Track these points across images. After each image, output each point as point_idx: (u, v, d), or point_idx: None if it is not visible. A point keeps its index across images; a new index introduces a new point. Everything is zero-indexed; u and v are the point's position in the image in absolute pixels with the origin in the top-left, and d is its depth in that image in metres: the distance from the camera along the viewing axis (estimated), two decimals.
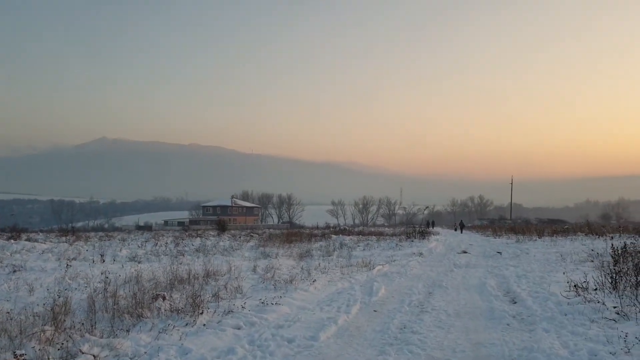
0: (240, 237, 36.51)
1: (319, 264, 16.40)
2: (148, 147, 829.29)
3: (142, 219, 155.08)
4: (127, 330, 6.90)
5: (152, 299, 8.91)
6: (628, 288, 9.20)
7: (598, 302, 8.36)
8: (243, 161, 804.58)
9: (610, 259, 16.41)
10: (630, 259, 12.14)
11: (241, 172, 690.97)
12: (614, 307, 7.72)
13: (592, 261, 16.27)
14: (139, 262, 17.10)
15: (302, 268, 15.01)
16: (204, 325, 7.46)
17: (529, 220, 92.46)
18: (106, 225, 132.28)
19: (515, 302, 9.76)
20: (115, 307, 7.94)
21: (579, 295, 9.08)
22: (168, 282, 11.12)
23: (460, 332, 7.42)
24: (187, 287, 10.95)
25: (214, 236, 39.01)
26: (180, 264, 17.25)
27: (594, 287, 9.81)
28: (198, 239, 32.11)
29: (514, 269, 15.63)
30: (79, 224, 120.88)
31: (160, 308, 8.10)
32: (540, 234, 30.71)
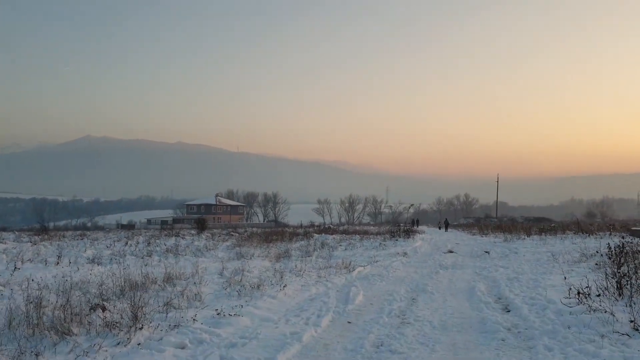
0: (220, 236, 35.20)
1: (296, 266, 15.17)
2: (133, 146, 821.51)
3: (126, 217, 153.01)
4: (37, 354, 5.60)
5: (90, 309, 7.63)
6: (636, 294, 8.12)
7: (605, 311, 7.23)
8: (229, 159, 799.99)
9: (606, 259, 15.48)
10: (632, 259, 11.12)
11: (227, 170, 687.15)
12: (631, 322, 6.56)
13: (586, 261, 15.27)
14: (99, 264, 15.73)
15: (275, 270, 13.77)
16: (139, 344, 6.20)
17: (515, 219, 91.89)
18: (89, 224, 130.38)
19: (508, 311, 8.62)
20: (38, 321, 6.65)
21: (581, 302, 7.94)
22: (119, 288, 9.84)
23: (447, 351, 6.24)
24: (141, 293, 9.69)
25: (192, 235, 37.65)
26: (145, 265, 15.97)
27: (597, 293, 8.72)
28: (173, 238, 30.75)
29: (504, 270, 14.53)
30: (62, 223, 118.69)
31: (92, 323, 6.81)
32: (528, 233, 29.75)
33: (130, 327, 6.58)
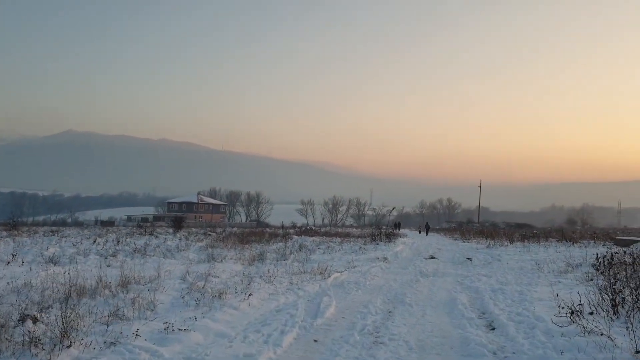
0: (196, 235, 34.14)
1: (268, 270, 14.28)
2: (117, 141, 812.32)
3: (107, 214, 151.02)
4: None
5: (18, 321, 6.65)
6: (634, 313, 7.35)
7: (602, 334, 6.44)
8: (214, 158, 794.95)
9: (593, 270, 14.80)
10: (623, 272, 10.42)
11: (211, 168, 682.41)
12: (637, 353, 5.74)
13: (572, 272, 14.59)
14: (55, 264, 14.64)
15: (244, 275, 12.85)
16: None
17: (497, 224, 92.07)
18: (69, 220, 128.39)
19: (493, 329, 7.80)
20: None
21: (574, 322, 7.15)
22: (64, 293, 8.84)
23: None
24: (87, 301, 8.72)
25: (168, 234, 36.51)
26: (108, 266, 14.97)
27: (590, 310, 7.95)
28: (147, 237, 29.69)
29: (486, 279, 13.77)
30: (41, 218, 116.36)
31: (10, 339, 5.82)
32: (511, 240, 29.17)
33: (55, 345, 5.61)
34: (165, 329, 6.90)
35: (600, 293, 8.41)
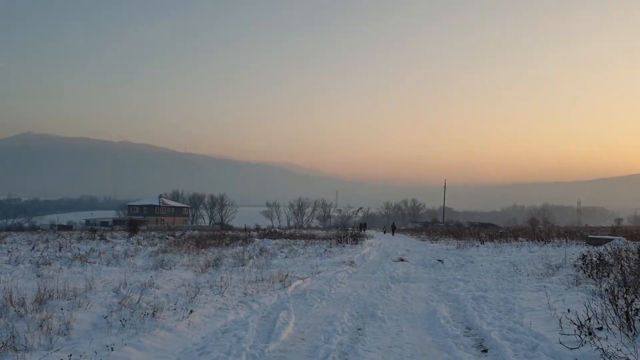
0: (153, 239, 32.04)
1: (222, 278, 12.64)
2: (77, 144, 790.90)
3: (67, 218, 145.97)
4: None
5: None
6: None
7: (627, 359, 5.12)
8: (177, 160, 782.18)
9: (576, 271, 13.71)
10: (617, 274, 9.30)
11: (174, 171, 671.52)
12: None
13: (554, 274, 13.45)
14: None
15: (192, 285, 11.20)
16: None
17: (462, 224, 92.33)
18: (26, 225, 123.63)
19: (485, 350, 6.42)
20: None
21: (586, 341, 5.81)
22: None
23: None
24: None
25: (123, 238, 34.26)
26: (38, 276, 13.02)
27: (598, 325, 6.65)
28: (95, 241, 27.53)
29: (464, 284, 12.49)
30: None
31: None
32: (482, 240, 28.19)
33: None
34: None
35: (604, 304, 7.11)
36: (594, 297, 9.21)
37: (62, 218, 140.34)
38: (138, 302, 8.84)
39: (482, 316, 8.21)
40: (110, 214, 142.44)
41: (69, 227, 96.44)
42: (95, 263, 16.60)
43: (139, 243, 26.67)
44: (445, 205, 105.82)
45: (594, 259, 13.33)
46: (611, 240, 22.36)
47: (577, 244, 24.25)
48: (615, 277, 10.94)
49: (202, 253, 20.71)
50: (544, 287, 11.26)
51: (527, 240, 28.27)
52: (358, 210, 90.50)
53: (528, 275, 13.78)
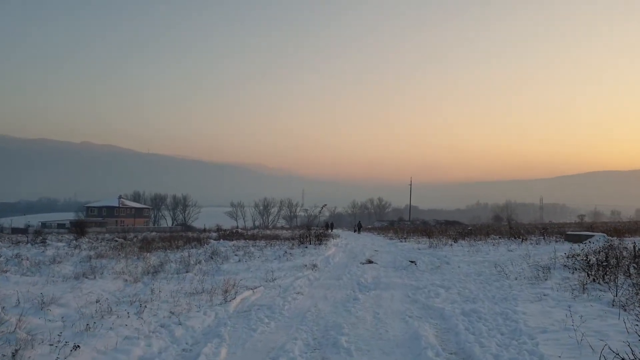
0: (102, 241, 29.18)
1: (152, 291, 10.28)
2: (36, 145, 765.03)
3: (24, 220, 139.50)
4: None
5: None
6: None
7: None
8: (139, 161, 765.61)
9: (569, 273, 11.87)
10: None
11: (136, 172, 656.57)
12: None
13: (548, 277, 11.50)
14: None
15: (105, 301, 8.79)
16: None
17: (428, 222, 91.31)
18: None
19: None
20: None
21: None
22: None
23: None
24: None
25: (66, 241, 31.19)
26: None
27: (632, 358, 4.62)
28: (29, 245, 24.59)
29: (445, 293, 10.42)
30: None
31: None
32: (455, 238, 26.39)
33: None
34: None
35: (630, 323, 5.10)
36: (615, 310, 7.25)
37: (21, 221, 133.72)
38: (14, 331, 6.43)
39: (482, 342, 6.10)
40: (69, 216, 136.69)
41: (24, 230, 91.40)
42: (7, 272, 13.91)
43: (77, 247, 23.83)
44: (412, 204, 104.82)
45: (591, 259, 11.58)
46: (592, 237, 20.88)
47: (556, 241, 22.71)
48: (631, 283, 9.08)
49: (146, 257, 18.17)
50: (544, 295, 9.29)
51: (500, 237, 26.69)
52: (322, 208, 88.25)
53: (516, 278, 11.84)
